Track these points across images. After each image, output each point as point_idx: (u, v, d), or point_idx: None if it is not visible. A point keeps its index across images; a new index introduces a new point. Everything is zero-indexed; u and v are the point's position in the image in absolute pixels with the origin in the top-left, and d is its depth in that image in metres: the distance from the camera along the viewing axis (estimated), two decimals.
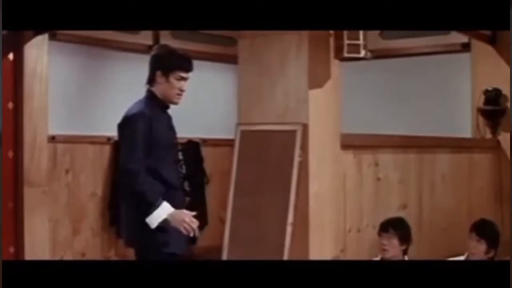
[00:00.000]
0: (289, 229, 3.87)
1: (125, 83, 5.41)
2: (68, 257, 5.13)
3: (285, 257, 3.84)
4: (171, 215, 3.37)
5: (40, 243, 4.91)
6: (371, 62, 5.91)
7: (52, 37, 4.95)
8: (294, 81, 3.95)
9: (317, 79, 3.94)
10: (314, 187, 3.91)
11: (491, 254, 4.11)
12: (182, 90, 3.56)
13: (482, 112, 5.66)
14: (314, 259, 3.89)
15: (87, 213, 5.29)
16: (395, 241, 4.12)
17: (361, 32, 3.87)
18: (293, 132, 3.91)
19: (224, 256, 4.07)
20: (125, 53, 5.52)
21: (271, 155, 4.00)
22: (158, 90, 3.57)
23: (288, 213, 3.87)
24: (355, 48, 3.89)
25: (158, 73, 3.55)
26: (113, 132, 5.23)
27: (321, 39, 3.96)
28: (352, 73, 5.68)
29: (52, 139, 5.02)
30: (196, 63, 3.63)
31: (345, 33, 3.87)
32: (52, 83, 4.95)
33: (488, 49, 5.61)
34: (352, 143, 4.25)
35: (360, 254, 4.28)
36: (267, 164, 3.98)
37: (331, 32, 3.93)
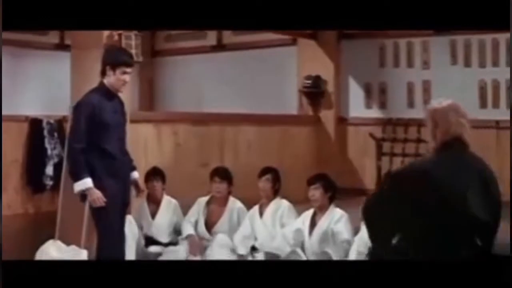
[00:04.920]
0: None
1: (37, 74, 7.09)
2: None
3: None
4: (88, 189, 4.28)
5: None
6: (225, 54, 7.55)
7: None
8: None
9: None
10: None
11: (230, 189, 5.40)
12: (125, 82, 4.42)
13: (304, 94, 7.12)
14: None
15: (11, 175, 6.53)
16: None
17: (133, 44, 5.47)
18: None
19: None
20: (37, 51, 7.10)
21: None
22: (107, 81, 4.40)
23: None
24: None
25: (108, 67, 4.38)
26: (30, 112, 6.86)
27: None
28: (210, 65, 7.28)
29: None
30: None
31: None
32: None
33: (311, 43, 7.06)
34: (150, 118, 5.95)
35: None
36: None
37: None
